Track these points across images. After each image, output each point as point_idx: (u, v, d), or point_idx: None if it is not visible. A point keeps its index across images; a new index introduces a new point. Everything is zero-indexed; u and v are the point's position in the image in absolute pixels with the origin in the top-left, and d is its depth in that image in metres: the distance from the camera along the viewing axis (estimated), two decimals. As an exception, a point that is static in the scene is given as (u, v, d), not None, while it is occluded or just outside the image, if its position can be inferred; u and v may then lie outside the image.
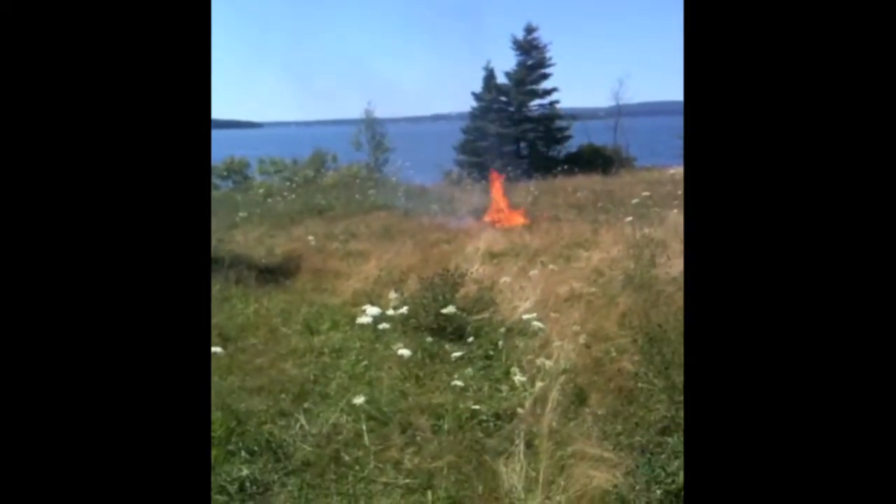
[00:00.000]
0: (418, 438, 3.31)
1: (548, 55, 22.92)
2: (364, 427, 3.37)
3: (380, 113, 21.43)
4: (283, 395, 3.88)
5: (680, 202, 11.60)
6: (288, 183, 16.74)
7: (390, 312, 4.53)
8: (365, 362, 4.30)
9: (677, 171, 20.36)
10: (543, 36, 23.01)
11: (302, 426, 3.46)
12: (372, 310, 4.36)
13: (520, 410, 3.46)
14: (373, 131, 20.88)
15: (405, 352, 3.97)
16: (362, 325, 4.49)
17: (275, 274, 7.04)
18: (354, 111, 22.09)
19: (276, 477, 3.02)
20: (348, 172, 18.08)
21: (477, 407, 3.55)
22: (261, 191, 15.35)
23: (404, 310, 4.61)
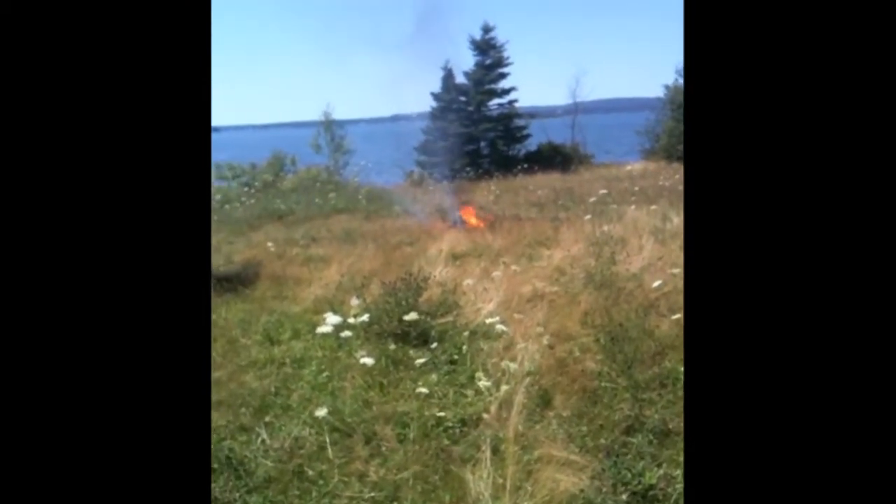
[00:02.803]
0: (383, 449, 3.26)
1: (505, 54, 23.02)
2: (327, 439, 3.30)
3: (338, 114, 21.24)
4: (243, 410, 3.78)
5: (636, 197, 11.78)
6: (246, 188, 16.46)
7: (352, 321, 4.46)
8: (327, 373, 4.22)
9: (633, 166, 20.76)
10: (500, 35, 23.12)
11: (263, 441, 3.38)
12: (333, 318, 4.28)
13: (485, 416, 3.43)
14: (332, 133, 20.68)
15: (368, 360, 3.91)
16: (324, 334, 4.40)
17: (233, 282, 6.88)
18: (313, 113, 21.79)
19: (237, 495, 2.93)
20: (308, 175, 17.87)
21: (442, 414, 3.51)
22: (218, 196, 15.03)
23: (366, 317, 4.54)
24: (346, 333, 4.40)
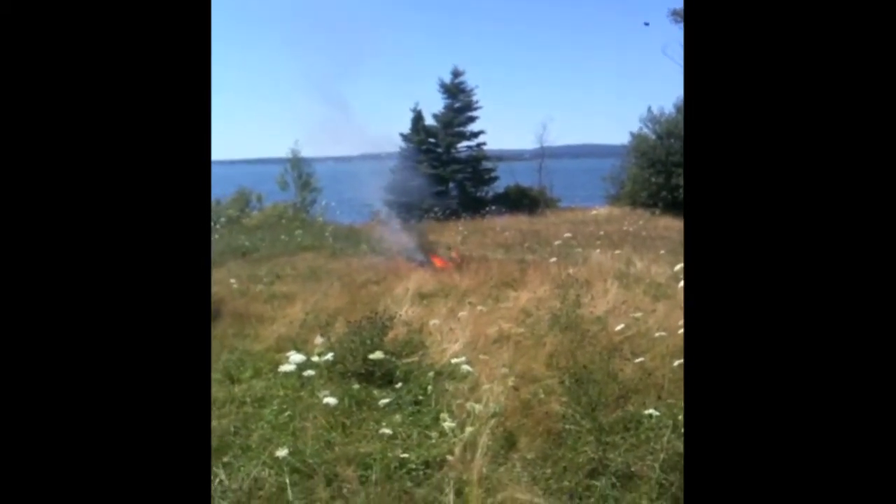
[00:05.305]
0: (345, 491, 3.19)
1: (474, 98, 23.46)
2: (287, 481, 3.21)
3: (307, 152, 21.21)
4: (200, 450, 3.66)
5: (601, 241, 11.99)
6: (211, 224, 16.26)
7: (315, 359, 4.39)
8: (288, 412, 4.13)
9: (599, 211, 21.18)
10: (470, 80, 23.57)
11: (221, 482, 3.27)
12: (296, 357, 4.21)
13: (449, 457, 3.39)
14: (299, 170, 20.60)
15: (331, 400, 3.84)
16: (286, 373, 4.32)
17: (195, 319, 6.73)
18: (281, 150, 21.73)
19: (190, 540, 2.82)
20: (273, 212, 17.76)
21: (405, 455, 3.46)
22: (181, 231, 14.76)
23: (329, 356, 4.48)
24: (309, 372, 4.32)
